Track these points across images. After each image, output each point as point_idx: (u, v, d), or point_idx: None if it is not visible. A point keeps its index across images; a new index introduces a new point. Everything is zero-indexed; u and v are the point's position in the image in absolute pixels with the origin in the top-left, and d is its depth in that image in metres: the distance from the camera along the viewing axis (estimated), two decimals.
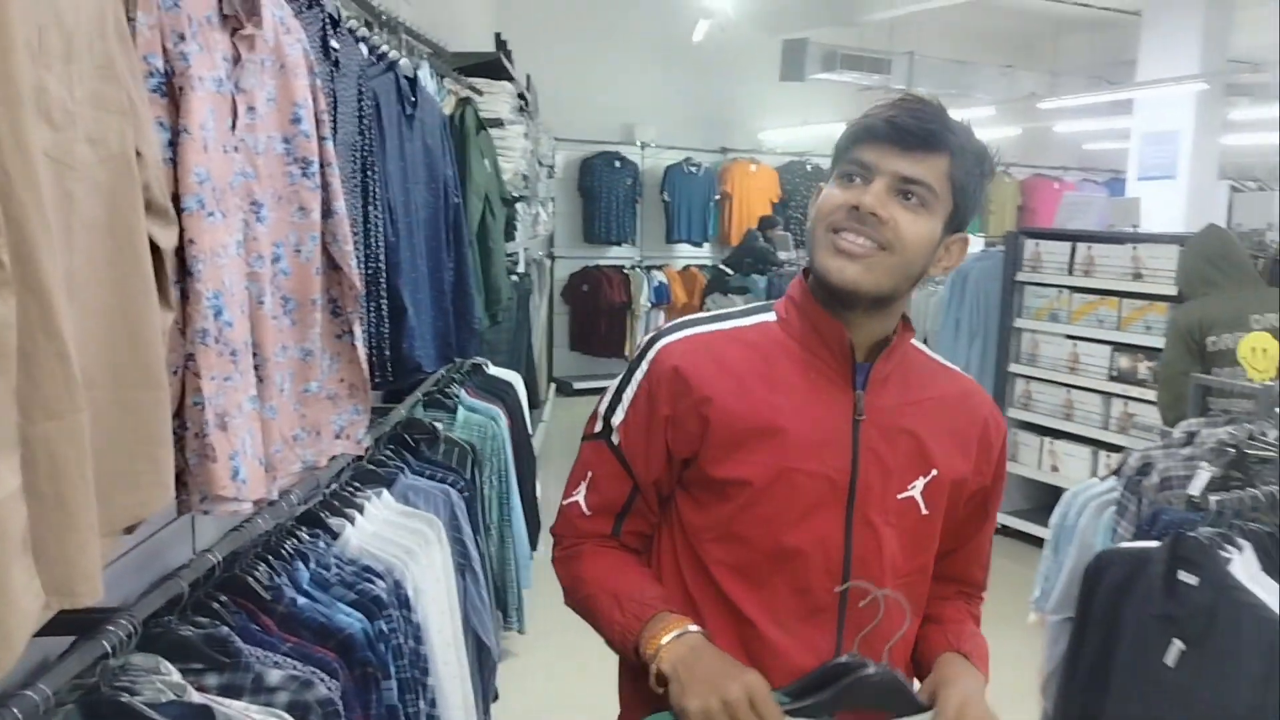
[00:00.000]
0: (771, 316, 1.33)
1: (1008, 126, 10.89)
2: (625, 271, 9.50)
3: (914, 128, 1.20)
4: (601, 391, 1.39)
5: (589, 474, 1.35)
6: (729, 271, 8.32)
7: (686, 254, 9.88)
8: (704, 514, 1.30)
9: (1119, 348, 4.87)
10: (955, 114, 1.24)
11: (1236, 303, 3.37)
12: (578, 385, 9.23)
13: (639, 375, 1.31)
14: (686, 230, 9.72)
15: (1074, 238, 5.23)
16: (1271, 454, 1.88)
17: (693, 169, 9.69)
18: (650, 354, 1.31)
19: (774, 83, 9.03)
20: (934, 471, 1.30)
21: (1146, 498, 2.10)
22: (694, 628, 1.22)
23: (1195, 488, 1.95)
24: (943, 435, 1.32)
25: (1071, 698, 2.01)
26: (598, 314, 9.34)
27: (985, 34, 10.20)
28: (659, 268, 9.69)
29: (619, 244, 9.54)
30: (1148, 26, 7.12)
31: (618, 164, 9.38)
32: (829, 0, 8.89)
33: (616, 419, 1.32)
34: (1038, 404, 5.33)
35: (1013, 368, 5.46)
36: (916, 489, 1.30)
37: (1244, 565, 1.76)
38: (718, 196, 9.81)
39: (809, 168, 10.30)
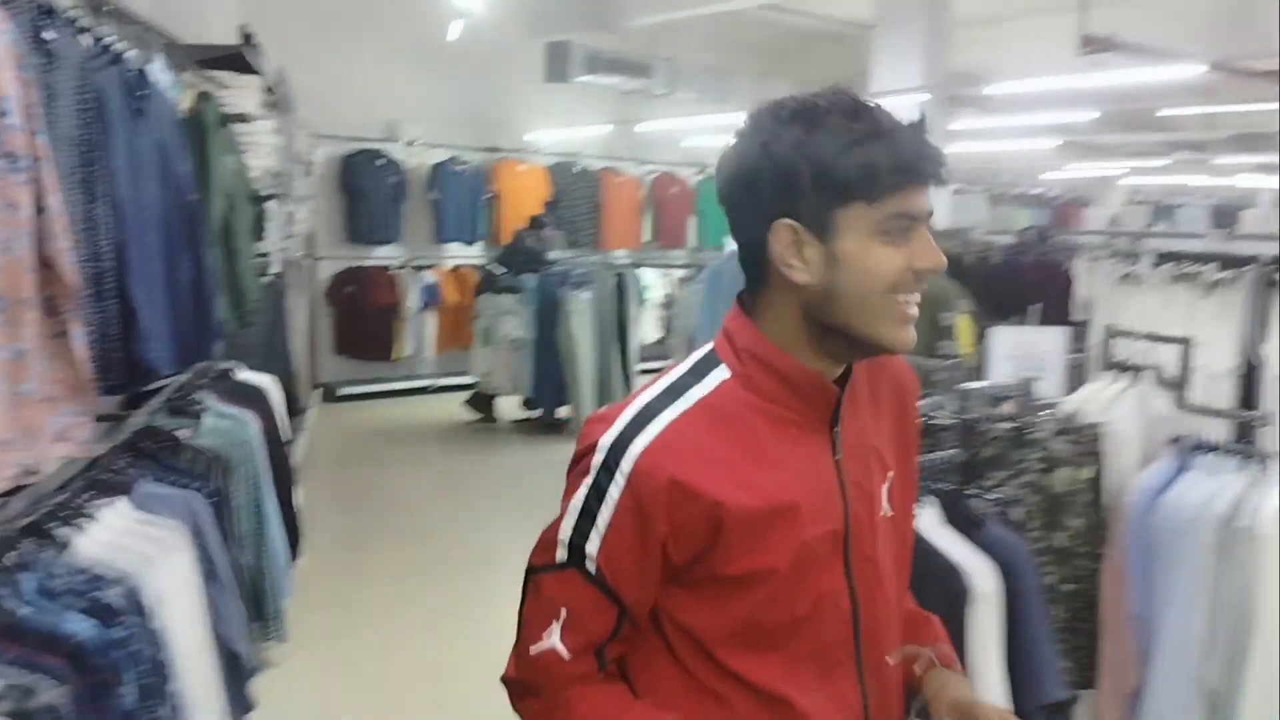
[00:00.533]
0: (725, 372, 1.18)
1: None
2: (392, 272, 9.35)
3: (938, 157, 1.11)
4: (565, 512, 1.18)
5: (563, 611, 1.17)
6: (500, 271, 8.37)
7: (457, 253, 9.84)
8: (719, 613, 1.17)
9: None
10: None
11: (942, 284, 3.76)
12: (345, 390, 9.01)
13: (615, 493, 1.13)
14: (456, 229, 9.68)
15: None
16: (953, 422, 2.15)
17: (461, 167, 9.66)
18: (624, 466, 1.12)
19: (540, 83, 9.16)
20: (890, 473, 1.26)
21: None
22: None
23: None
24: (885, 429, 1.27)
25: None
26: (364, 316, 9.14)
27: (741, 43, 10.73)
28: (428, 268, 9.60)
29: (385, 243, 9.37)
30: (878, 42, 7.73)
31: (381, 162, 9.22)
32: (590, 5, 9.11)
33: (592, 546, 1.15)
34: None
35: None
36: (883, 497, 1.25)
37: (930, 519, 2.01)
38: (487, 195, 9.83)
39: (577, 169, 10.50)
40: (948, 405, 2.18)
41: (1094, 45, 6.76)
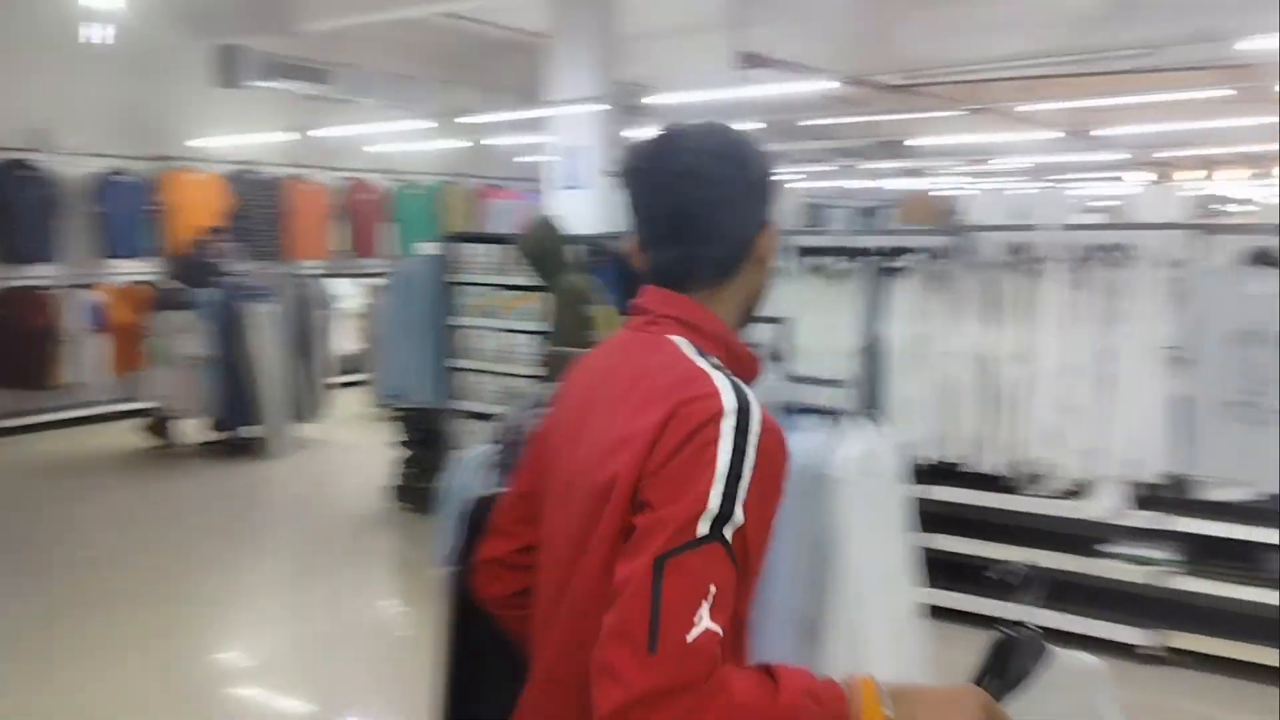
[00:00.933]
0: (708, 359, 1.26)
1: (458, 139, 11.60)
2: (48, 292, 8.55)
3: None
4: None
5: (711, 588, 1.09)
6: (174, 286, 7.91)
7: (126, 269, 9.15)
8: (749, 570, 1.18)
9: (545, 335, 5.51)
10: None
11: (580, 279, 4.13)
12: None
13: (752, 454, 1.14)
14: (123, 244, 9.01)
15: (497, 240, 5.81)
16: None
17: (125, 178, 9.01)
18: (754, 426, 1.16)
19: (210, 88, 8.73)
20: None
21: (516, 450, 2.50)
22: (873, 681, 1.13)
23: None
24: None
25: (457, 625, 2.36)
26: (17, 342, 8.28)
27: (424, 50, 10.72)
28: (92, 286, 8.86)
29: (39, 261, 8.55)
30: (554, 52, 8.03)
31: (29, 173, 8.41)
32: (261, 7, 8.80)
33: (739, 511, 1.11)
34: (482, 393, 5.83)
35: (456, 362, 5.91)
36: None
37: None
38: (156, 207, 9.23)
39: (257, 177, 10.09)
40: None
41: (748, 61, 7.41)
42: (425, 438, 6.12)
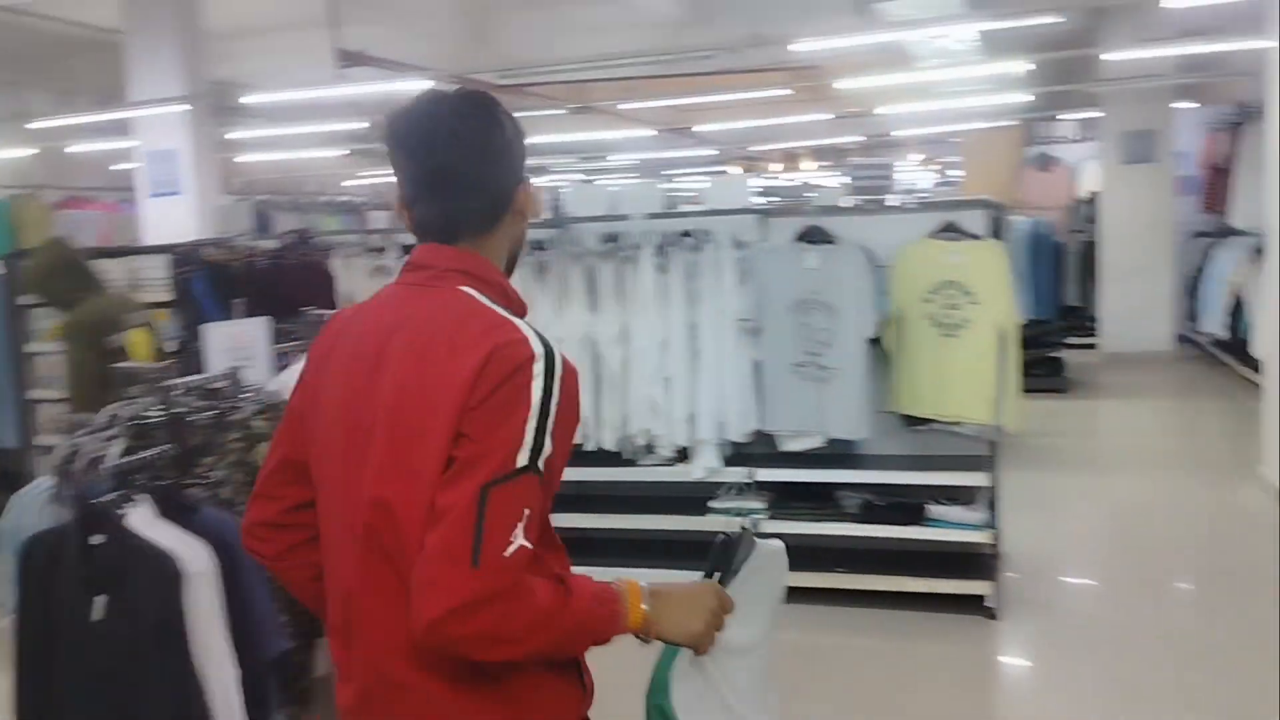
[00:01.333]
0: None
1: (27, 146, 10.31)
2: None
3: None
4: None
5: (525, 511, 1.26)
6: None
7: None
8: (553, 487, 1.36)
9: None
10: None
11: (106, 305, 3.97)
12: None
13: (557, 392, 1.30)
14: None
15: (104, 254, 5.27)
16: (159, 420, 2.23)
17: None
18: (557, 369, 1.31)
19: None
20: None
21: (77, 481, 2.29)
22: (637, 583, 1.39)
23: (110, 460, 2.21)
24: None
25: (25, 678, 2.13)
26: None
27: None
28: None
29: None
30: (131, 50, 7.37)
31: None
32: None
33: (548, 443, 1.29)
34: (67, 424, 5.26)
35: (34, 393, 5.27)
36: None
37: (142, 516, 2.07)
38: None
39: None
40: (159, 406, 2.26)
41: (347, 59, 7.24)
42: (3, 481, 5.41)
